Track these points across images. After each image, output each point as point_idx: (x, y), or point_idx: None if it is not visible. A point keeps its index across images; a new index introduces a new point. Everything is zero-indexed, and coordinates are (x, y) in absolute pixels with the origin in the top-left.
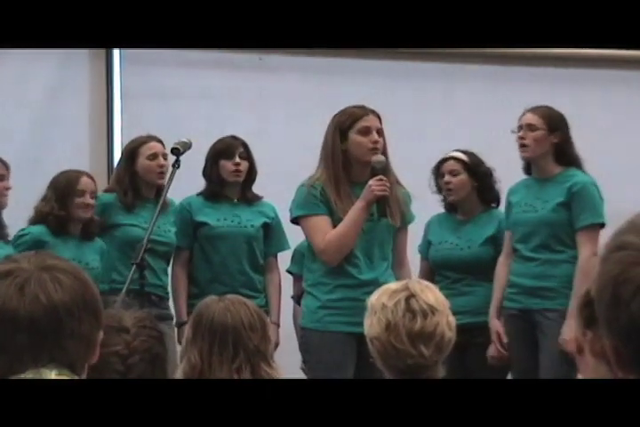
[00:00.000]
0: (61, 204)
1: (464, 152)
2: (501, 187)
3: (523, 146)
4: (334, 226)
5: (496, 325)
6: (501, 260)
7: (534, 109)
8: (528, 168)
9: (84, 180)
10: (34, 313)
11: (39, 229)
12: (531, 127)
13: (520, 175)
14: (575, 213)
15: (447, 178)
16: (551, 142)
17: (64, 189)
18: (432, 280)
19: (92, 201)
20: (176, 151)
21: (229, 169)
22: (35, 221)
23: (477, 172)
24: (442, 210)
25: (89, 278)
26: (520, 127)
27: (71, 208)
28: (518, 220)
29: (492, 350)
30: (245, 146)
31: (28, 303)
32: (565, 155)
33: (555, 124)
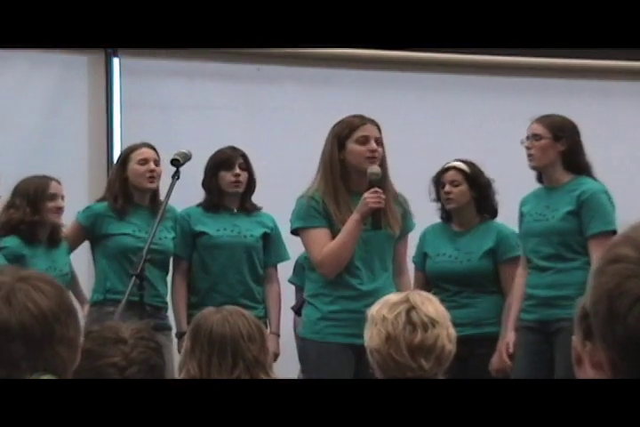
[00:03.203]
0: (34, 209)
1: (465, 162)
2: (500, 198)
3: (529, 156)
4: (334, 237)
5: (510, 337)
6: (519, 271)
7: (540, 119)
8: (540, 177)
9: (54, 184)
10: (25, 322)
11: (14, 242)
12: (535, 137)
13: (522, 185)
14: (585, 221)
15: (448, 188)
16: (558, 151)
17: (35, 194)
18: (428, 291)
19: (63, 204)
20: (176, 162)
21: (229, 180)
22: (6, 229)
23: (477, 183)
24: (438, 219)
25: (62, 284)
26: (527, 138)
27: (44, 213)
28: (529, 229)
29: (494, 363)
30: (245, 157)
31: (19, 313)
32: (574, 162)
33: (560, 132)
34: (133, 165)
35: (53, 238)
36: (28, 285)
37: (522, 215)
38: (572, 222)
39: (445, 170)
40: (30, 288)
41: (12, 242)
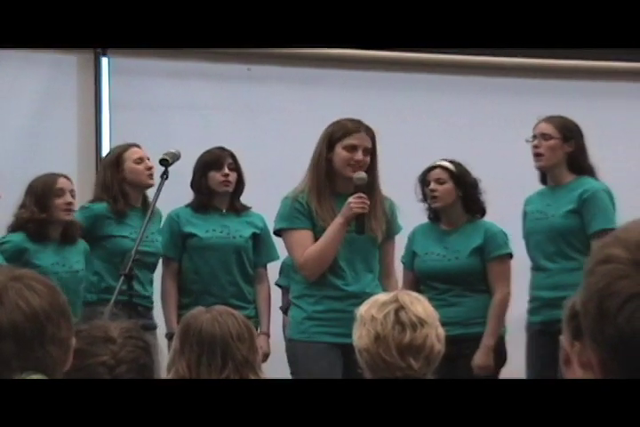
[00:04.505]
0: (41, 207)
1: (451, 162)
2: (492, 199)
3: (537, 155)
4: (316, 237)
5: None
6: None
7: (548, 119)
8: (544, 178)
9: (62, 180)
10: (16, 321)
11: (19, 237)
12: (545, 136)
13: (514, 186)
14: (586, 219)
15: (433, 186)
16: (565, 151)
17: (42, 191)
18: (417, 291)
19: (72, 200)
20: (165, 162)
21: (218, 180)
22: (14, 228)
23: (463, 181)
24: (426, 220)
25: (56, 285)
26: (534, 137)
27: (52, 210)
28: (530, 228)
29: (477, 359)
30: (233, 157)
31: (10, 311)
32: (579, 163)
33: (569, 133)
34: (130, 164)
35: (67, 235)
36: (21, 284)
37: (525, 215)
38: (574, 220)
39: (431, 169)
40: (23, 287)
41: (15, 237)
